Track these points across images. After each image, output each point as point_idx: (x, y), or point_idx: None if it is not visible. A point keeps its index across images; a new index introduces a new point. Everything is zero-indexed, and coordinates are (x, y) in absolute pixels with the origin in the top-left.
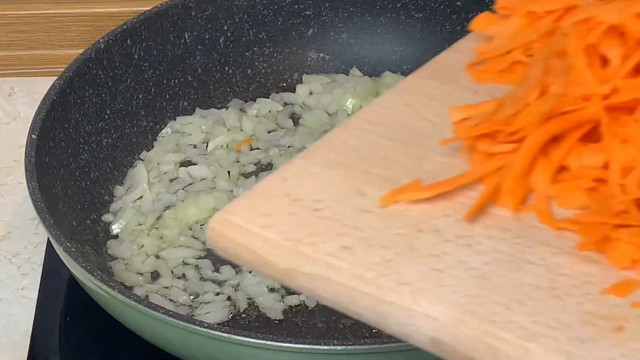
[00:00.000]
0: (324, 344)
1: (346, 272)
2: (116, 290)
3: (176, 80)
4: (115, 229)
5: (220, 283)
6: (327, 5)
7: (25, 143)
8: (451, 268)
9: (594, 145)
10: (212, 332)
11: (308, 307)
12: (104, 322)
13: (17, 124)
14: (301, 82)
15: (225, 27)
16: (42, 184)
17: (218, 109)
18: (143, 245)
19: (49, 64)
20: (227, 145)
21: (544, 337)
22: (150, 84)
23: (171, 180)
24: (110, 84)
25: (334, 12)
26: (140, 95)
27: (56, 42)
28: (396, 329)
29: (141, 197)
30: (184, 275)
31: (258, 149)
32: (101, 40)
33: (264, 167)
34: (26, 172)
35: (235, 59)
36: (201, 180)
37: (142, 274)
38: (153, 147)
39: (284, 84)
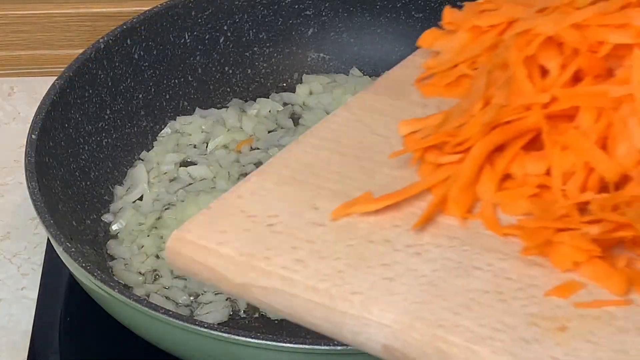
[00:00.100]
0: (324, 344)
1: (300, 284)
2: (116, 290)
3: (176, 80)
4: (115, 229)
5: None
6: (327, 5)
7: (25, 143)
8: (401, 276)
9: (536, 153)
10: (212, 332)
11: None
12: (104, 322)
13: (17, 124)
14: (301, 82)
15: (225, 27)
16: (42, 184)
17: (218, 109)
18: (143, 246)
19: (49, 64)
20: (227, 145)
21: (490, 340)
22: (150, 84)
23: (171, 180)
24: (110, 83)
25: (334, 12)
26: (140, 95)
27: (56, 42)
28: (350, 337)
29: (141, 197)
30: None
31: (258, 149)
32: (101, 40)
33: None
34: (26, 172)
35: (235, 59)
36: (201, 180)
37: (142, 274)
38: (153, 147)
39: (284, 84)
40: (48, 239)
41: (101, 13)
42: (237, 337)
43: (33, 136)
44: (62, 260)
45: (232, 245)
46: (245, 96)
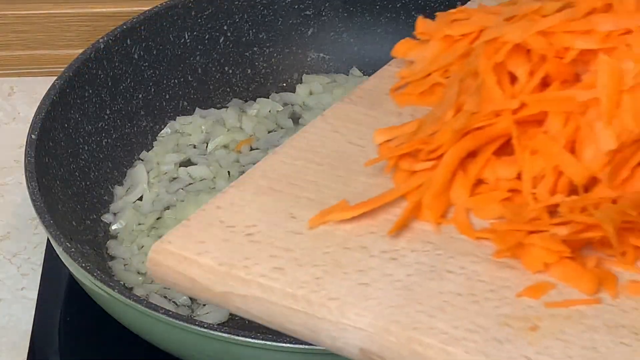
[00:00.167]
0: None
1: (278, 292)
2: (116, 290)
3: (176, 80)
4: (115, 229)
5: None
6: (327, 5)
7: (25, 143)
8: (377, 281)
9: (507, 158)
10: (212, 332)
11: None
12: (104, 322)
13: (16, 124)
14: (301, 82)
15: (225, 27)
16: (42, 184)
17: (218, 109)
18: (143, 246)
19: (49, 64)
20: (227, 145)
21: (464, 341)
22: (150, 84)
23: (171, 180)
24: (110, 83)
25: (334, 12)
26: (140, 95)
27: (56, 42)
28: (328, 342)
29: (141, 197)
30: None
31: (258, 149)
32: (101, 40)
33: None
34: (26, 172)
35: (235, 59)
36: (201, 180)
37: (142, 274)
38: (153, 147)
39: (284, 84)
40: (48, 239)
41: (101, 13)
42: (237, 337)
43: (33, 136)
44: (62, 260)
45: (212, 255)
46: (245, 96)
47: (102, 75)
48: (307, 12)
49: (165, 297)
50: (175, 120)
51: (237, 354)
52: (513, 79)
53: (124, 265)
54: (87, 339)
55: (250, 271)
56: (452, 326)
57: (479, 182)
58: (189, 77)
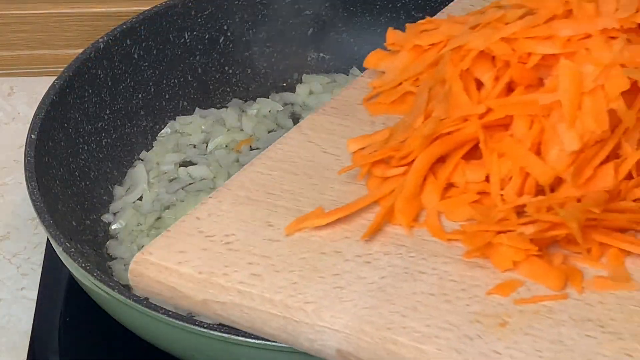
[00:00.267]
0: None
1: (257, 297)
2: (116, 290)
3: (176, 80)
4: (115, 229)
5: None
6: (327, 5)
7: (24, 143)
8: (351, 284)
9: (475, 161)
10: (212, 332)
11: None
12: (103, 322)
13: (16, 124)
14: (301, 82)
15: (225, 27)
16: (42, 184)
17: (218, 109)
18: (143, 246)
19: (49, 64)
20: (227, 145)
21: (436, 338)
22: (150, 83)
23: (171, 180)
24: (109, 83)
25: (334, 12)
26: (140, 95)
27: (56, 42)
28: (307, 345)
29: (141, 197)
30: None
31: (258, 149)
32: (101, 40)
33: None
34: (25, 172)
35: (235, 59)
36: (201, 180)
37: None
38: (153, 147)
39: (284, 84)
40: (48, 239)
41: (101, 13)
42: (237, 337)
43: (32, 136)
44: (61, 261)
45: (192, 264)
46: (245, 96)
47: (102, 75)
48: (307, 12)
49: None
50: (175, 120)
51: (237, 354)
52: (479, 85)
53: (124, 265)
54: (87, 339)
55: (230, 278)
56: (425, 325)
57: (449, 185)
58: (189, 77)
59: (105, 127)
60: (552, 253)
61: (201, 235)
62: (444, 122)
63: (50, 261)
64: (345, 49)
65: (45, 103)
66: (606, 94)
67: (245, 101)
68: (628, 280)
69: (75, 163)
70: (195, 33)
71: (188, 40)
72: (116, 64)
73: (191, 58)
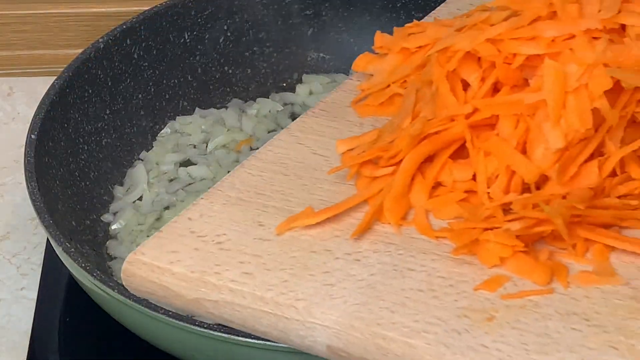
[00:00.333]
0: None
1: (248, 295)
2: (116, 290)
3: (176, 80)
4: (115, 229)
5: None
6: (327, 5)
7: (24, 143)
8: (341, 282)
9: (462, 161)
10: (212, 332)
11: None
12: (103, 322)
13: (16, 124)
14: (301, 82)
15: (225, 27)
16: (42, 184)
17: (218, 109)
18: None
19: (49, 64)
20: (227, 145)
21: (425, 333)
22: (150, 84)
23: (171, 180)
24: (109, 83)
25: (334, 12)
26: (140, 95)
27: (56, 42)
28: (297, 342)
29: (141, 197)
30: None
31: (258, 149)
32: (100, 40)
33: None
34: (25, 172)
35: (235, 59)
36: (201, 180)
37: None
38: (153, 147)
39: (284, 84)
40: (47, 239)
41: (101, 13)
42: (237, 337)
43: (32, 136)
44: (61, 261)
45: (184, 263)
46: (245, 96)
47: (102, 75)
48: (307, 12)
49: None
50: (175, 120)
51: (237, 354)
52: (466, 85)
53: None
54: (86, 339)
55: (221, 277)
56: (413, 320)
57: (437, 184)
58: (189, 77)
59: (105, 127)
60: (538, 249)
61: (193, 235)
62: (431, 122)
63: (50, 261)
64: (345, 49)
65: (45, 103)
66: (590, 93)
67: (245, 101)
68: (613, 275)
69: (75, 163)
70: (195, 33)
71: (188, 40)
72: (116, 64)
73: (191, 58)
